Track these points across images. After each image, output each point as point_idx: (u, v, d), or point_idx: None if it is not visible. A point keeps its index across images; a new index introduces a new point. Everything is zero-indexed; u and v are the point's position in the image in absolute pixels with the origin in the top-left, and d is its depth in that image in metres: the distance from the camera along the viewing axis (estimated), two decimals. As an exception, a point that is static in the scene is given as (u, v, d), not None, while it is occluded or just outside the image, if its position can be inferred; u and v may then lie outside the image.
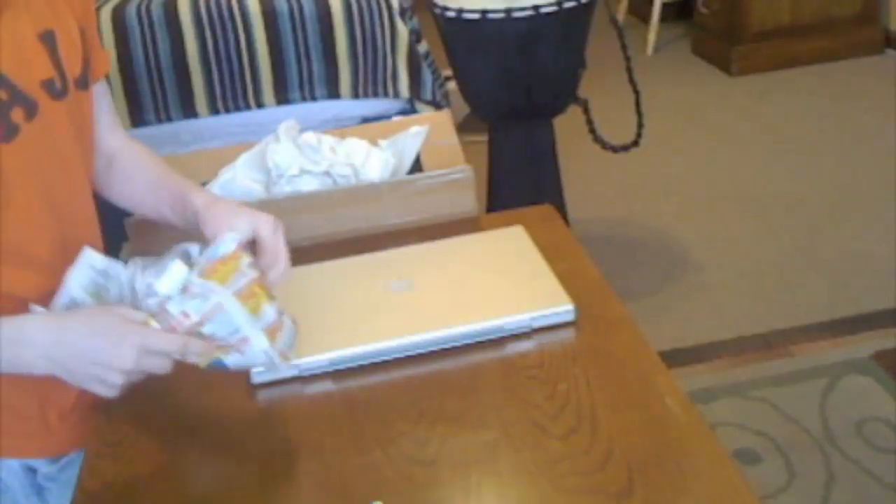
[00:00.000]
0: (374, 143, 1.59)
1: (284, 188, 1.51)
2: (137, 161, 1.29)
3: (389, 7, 2.63)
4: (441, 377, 1.15)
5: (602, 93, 3.10)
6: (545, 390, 1.10)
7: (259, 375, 1.14)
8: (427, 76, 2.71)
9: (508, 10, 2.44)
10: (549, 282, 1.25)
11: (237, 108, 2.64)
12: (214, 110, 2.63)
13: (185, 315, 1.00)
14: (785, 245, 3.06)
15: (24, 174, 1.07)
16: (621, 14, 4.99)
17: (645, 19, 4.83)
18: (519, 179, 2.76)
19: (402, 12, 2.66)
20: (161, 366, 1.00)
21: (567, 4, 2.45)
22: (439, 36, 2.65)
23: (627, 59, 2.78)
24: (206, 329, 1.01)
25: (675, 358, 2.50)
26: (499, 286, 1.28)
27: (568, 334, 1.19)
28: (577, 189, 3.15)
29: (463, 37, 2.58)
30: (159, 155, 1.31)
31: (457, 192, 1.49)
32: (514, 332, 1.19)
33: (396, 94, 2.68)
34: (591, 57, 2.72)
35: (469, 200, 1.50)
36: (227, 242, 1.07)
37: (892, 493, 2.06)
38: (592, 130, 2.84)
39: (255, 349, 1.03)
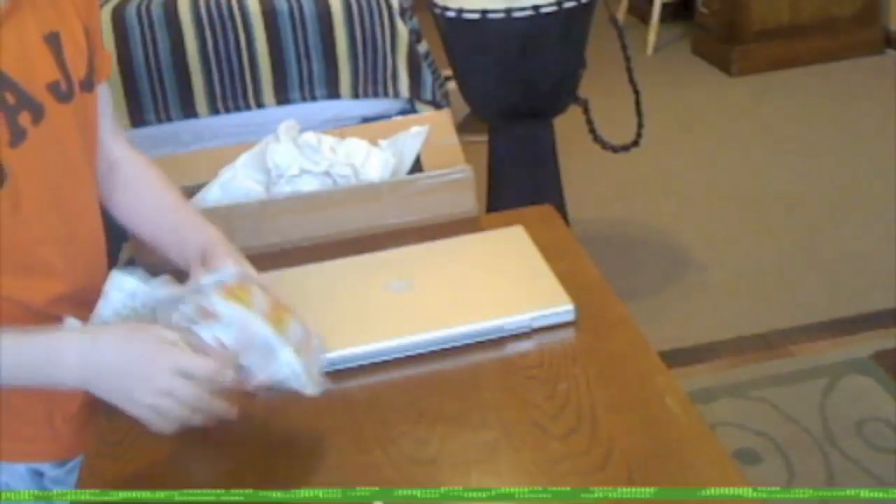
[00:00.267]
0: (374, 143, 1.59)
1: (284, 188, 1.51)
2: (143, 175, 1.27)
3: (389, 7, 2.63)
4: (441, 377, 1.15)
5: (602, 93, 3.10)
6: (545, 390, 1.10)
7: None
8: (427, 76, 2.71)
9: (508, 10, 2.44)
10: (549, 282, 1.25)
11: (237, 108, 2.64)
12: (214, 110, 2.63)
13: (220, 344, 1.00)
14: (785, 245, 3.06)
15: (32, 178, 1.06)
16: (621, 14, 4.99)
17: (645, 19, 4.82)
18: (519, 179, 2.76)
19: (402, 12, 2.66)
20: (195, 396, 1.00)
21: (567, 4, 2.45)
22: (439, 36, 2.65)
23: (627, 59, 2.78)
24: (245, 361, 1.01)
25: (675, 358, 2.50)
26: (499, 286, 1.28)
27: (568, 334, 1.19)
28: (577, 189, 3.15)
29: (463, 37, 2.58)
30: (166, 161, 1.31)
31: (457, 192, 1.49)
32: (514, 332, 1.19)
33: (396, 94, 2.68)
34: (591, 57, 2.72)
35: (469, 200, 1.50)
36: (231, 271, 1.07)
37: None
38: (592, 130, 2.84)
39: (286, 370, 1.03)
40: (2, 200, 1.02)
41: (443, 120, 1.69)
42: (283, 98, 2.63)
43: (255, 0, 2.57)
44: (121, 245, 1.61)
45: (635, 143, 2.88)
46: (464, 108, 2.94)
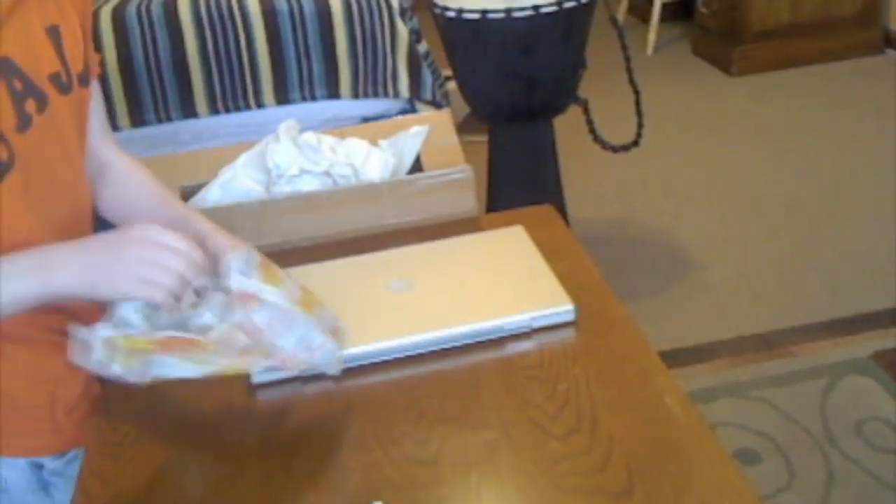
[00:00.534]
0: (374, 143, 1.59)
1: (284, 188, 1.51)
2: (132, 175, 1.28)
3: (389, 7, 2.63)
4: (441, 377, 1.15)
5: (602, 93, 3.10)
6: (545, 390, 1.10)
7: (260, 375, 1.14)
8: (427, 76, 2.71)
9: (508, 10, 2.44)
10: (549, 282, 1.25)
11: (237, 108, 2.64)
12: (214, 110, 2.63)
13: (255, 326, 1.01)
14: (785, 245, 3.06)
15: (37, 165, 1.08)
16: (621, 14, 4.99)
17: (645, 19, 4.83)
18: (519, 179, 2.76)
19: (402, 12, 2.66)
20: (177, 262, 1.00)
21: (567, 4, 2.45)
22: (439, 36, 2.65)
23: (627, 59, 2.78)
24: (280, 341, 1.02)
25: (675, 358, 2.50)
26: (499, 286, 1.28)
27: (568, 334, 1.19)
28: (577, 189, 3.15)
29: (463, 37, 2.58)
30: (156, 174, 1.31)
31: (457, 192, 1.49)
32: (514, 332, 1.19)
33: (396, 94, 2.68)
34: (591, 57, 2.72)
35: (469, 200, 1.50)
36: (253, 254, 1.07)
37: (892, 493, 2.06)
38: (592, 130, 2.84)
39: (320, 353, 1.05)
40: (13, 182, 1.04)
41: (443, 120, 1.69)
42: (283, 98, 2.63)
43: (255, 0, 2.57)
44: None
45: (635, 143, 2.88)
46: (464, 108, 2.94)
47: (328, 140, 1.58)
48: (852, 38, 4.36)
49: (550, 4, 2.44)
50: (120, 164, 1.28)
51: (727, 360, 2.54)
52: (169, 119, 2.63)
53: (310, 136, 1.57)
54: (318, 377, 1.15)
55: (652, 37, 4.71)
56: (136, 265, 0.99)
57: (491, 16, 2.46)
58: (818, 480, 2.10)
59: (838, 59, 4.34)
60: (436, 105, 2.70)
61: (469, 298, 1.25)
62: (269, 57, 2.59)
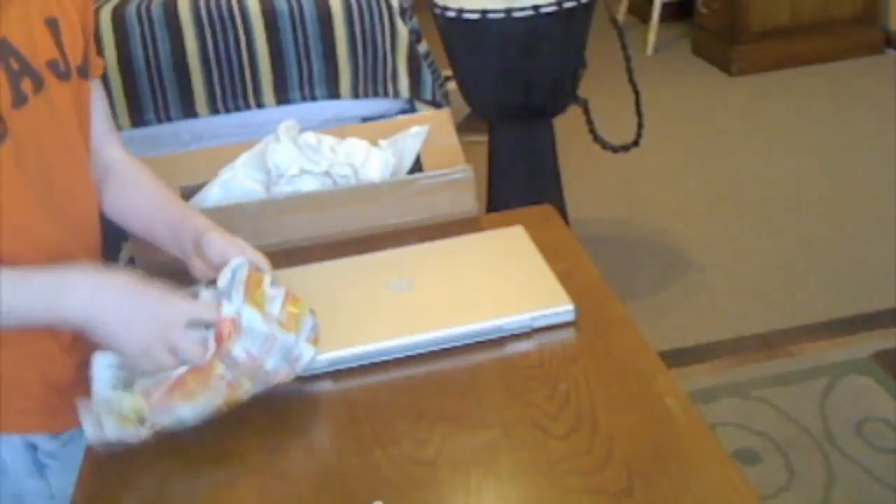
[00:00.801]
0: (374, 143, 1.59)
1: (284, 188, 1.51)
2: (137, 176, 1.29)
3: (389, 7, 2.63)
4: (441, 377, 1.15)
5: (602, 93, 3.10)
6: (545, 390, 1.10)
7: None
8: (427, 76, 2.71)
9: (508, 10, 2.44)
10: (549, 282, 1.25)
11: (237, 108, 2.64)
12: (214, 110, 2.63)
13: (249, 355, 1.03)
14: (785, 245, 3.06)
15: (30, 142, 1.09)
16: (621, 14, 5.00)
17: (645, 19, 4.83)
18: (519, 179, 2.76)
19: (402, 12, 2.66)
20: (196, 354, 1.02)
21: (567, 4, 2.45)
22: (439, 36, 2.65)
23: (627, 59, 2.78)
24: (269, 365, 1.05)
25: (675, 358, 2.50)
26: (499, 286, 1.28)
27: (568, 334, 1.19)
28: (577, 189, 3.15)
29: (463, 37, 2.58)
30: (156, 174, 1.32)
31: (457, 192, 1.49)
32: (514, 332, 1.19)
33: (396, 94, 2.68)
34: (591, 57, 2.72)
35: (469, 200, 1.50)
36: (241, 266, 1.09)
37: (892, 493, 2.06)
38: (592, 130, 2.84)
39: (305, 363, 1.09)
40: (6, 152, 1.05)
41: (443, 120, 1.69)
42: (283, 98, 2.63)
43: (255, 0, 2.57)
44: (120, 245, 1.61)
45: (635, 143, 2.88)
46: (464, 108, 2.94)
47: (328, 140, 1.58)
48: (852, 38, 4.36)
49: (550, 4, 2.44)
50: (124, 166, 1.29)
51: (727, 360, 2.54)
52: (169, 119, 2.63)
53: (310, 136, 1.57)
54: (318, 377, 1.15)
55: (652, 37, 4.71)
56: (142, 352, 1.02)
57: (491, 16, 2.46)
58: (818, 480, 2.10)
59: (838, 59, 4.34)
60: (436, 105, 2.70)
61: (469, 298, 1.25)
62: (269, 57, 2.59)
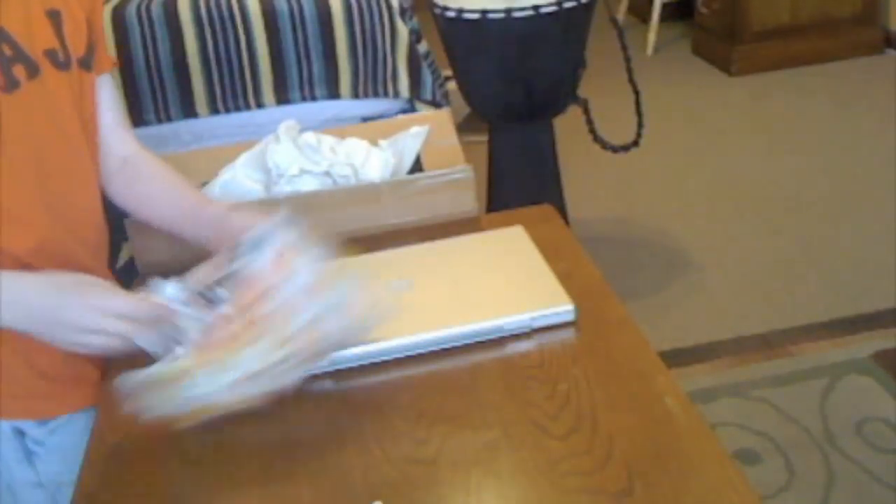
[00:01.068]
0: (374, 143, 1.59)
1: (284, 188, 1.51)
2: (153, 167, 1.31)
3: (389, 7, 2.63)
4: (441, 377, 1.15)
5: (602, 93, 3.10)
6: (545, 390, 1.10)
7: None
8: (427, 76, 2.71)
9: (508, 10, 2.44)
10: (549, 282, 1.25)
11: (237, 108, 2.64)
12: (214, 110, 2.63)
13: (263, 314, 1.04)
14: (785, 245, 3.06)
15: (18, 127, 1.09)
16: (621, 14, 5.00)
17: (645, 19, 4.83)
18: (519, 179, 2.76)
19: (402, 12, 2.66)
20: (126, 329, 1.02)
21: (567, 4, 2.45)
22: (439, 36, 2.65)
23: (627, 59, 2.78)
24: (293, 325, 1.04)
25: (675, 358, 2.50)
26: (499, 286, 1.28)
27: (568, 334, 1.19)
28: (577, 189, 3.15)
29: (463, 37, 2.58)
30: (166, 160, 1.34)
31: (457, 192, 1.49)
32: (514, 332, 1.19)
33: (396, 94, 2.68)
34: (591, 57, 2.73)
35: (469, 200, 1.50)
36: (271, 233, 1.09)
37: (892, 493, 2.06)
38: (592, 130, 2.84)
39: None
40: None
41: (443, 120, 1.69)
42: (283, 98, 2.63)
43: (255, 0, 2.57)
44: (121, 245, 1.61)
45: (635, 143, 2.88)
46: (464, 108, 2.94)
47: (328, 140, 1.58)
48: (852, 38, 4.36)
49: (550, 4, 2.44)
50: (141, 159, 1.31)
51: (727, 360, 2.54)
52: (169, 119, 2.63)
53: (310, 136, 1.57)
54: (318, 377, 1.15)
55: (652, 37, 4.71)
56: (73, 333, 1.03)
57: (491, 16, 2.46)
58: (818, 480, 2.10)
59: (838, 59, 4.34)
60: (436, 105, 2.70)
61: (469, 298, 1.25)
62: (269, 57, 2.59)
